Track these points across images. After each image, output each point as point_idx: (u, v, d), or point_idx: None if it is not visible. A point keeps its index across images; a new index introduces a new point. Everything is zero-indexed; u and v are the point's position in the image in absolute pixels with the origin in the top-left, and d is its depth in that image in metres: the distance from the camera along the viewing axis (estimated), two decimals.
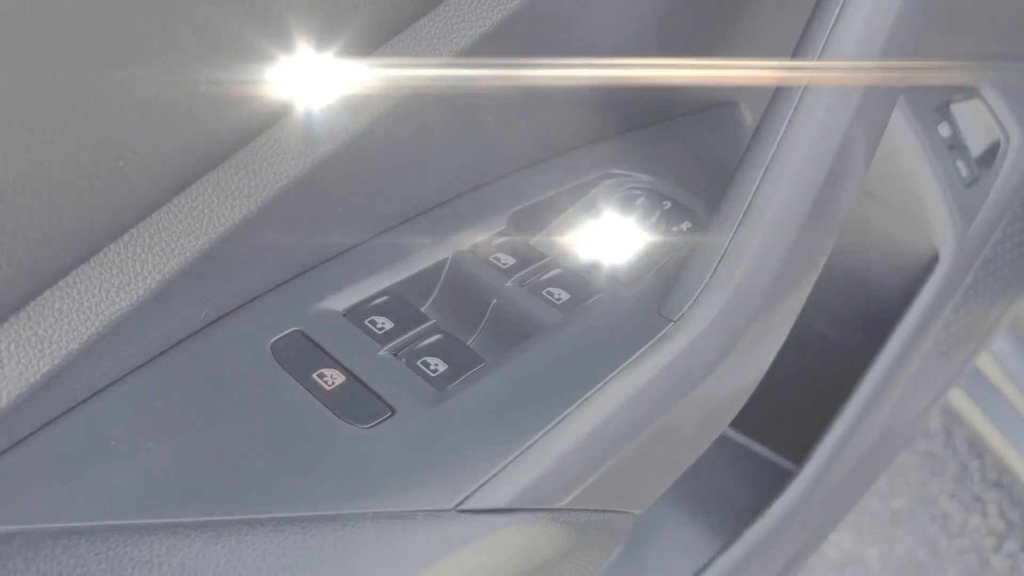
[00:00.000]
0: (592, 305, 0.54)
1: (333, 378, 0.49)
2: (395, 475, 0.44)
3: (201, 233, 0.45)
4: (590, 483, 0.48)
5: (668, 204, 0.61)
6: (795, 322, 0.60)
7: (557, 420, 0.47)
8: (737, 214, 0.51)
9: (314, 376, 0.49)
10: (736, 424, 0.90)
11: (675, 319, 0.52)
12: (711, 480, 0.93)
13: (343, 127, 0.48)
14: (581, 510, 0.49)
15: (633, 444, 0.50)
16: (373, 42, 0.47)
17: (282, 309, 0.52)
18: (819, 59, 0.49)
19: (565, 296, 0.55)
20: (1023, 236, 0.90)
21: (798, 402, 0.90)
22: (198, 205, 0.45)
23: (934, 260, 0.82)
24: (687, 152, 0.66)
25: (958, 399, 1.36)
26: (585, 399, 0.48)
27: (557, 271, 0.56)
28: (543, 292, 0.55)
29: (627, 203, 0.59)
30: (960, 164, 0.82)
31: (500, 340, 0.54)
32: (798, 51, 0.50)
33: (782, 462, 0.94)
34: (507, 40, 0.51)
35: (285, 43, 0.42)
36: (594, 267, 0.58)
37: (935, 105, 0.81)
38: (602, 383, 0.49)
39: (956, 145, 0.82)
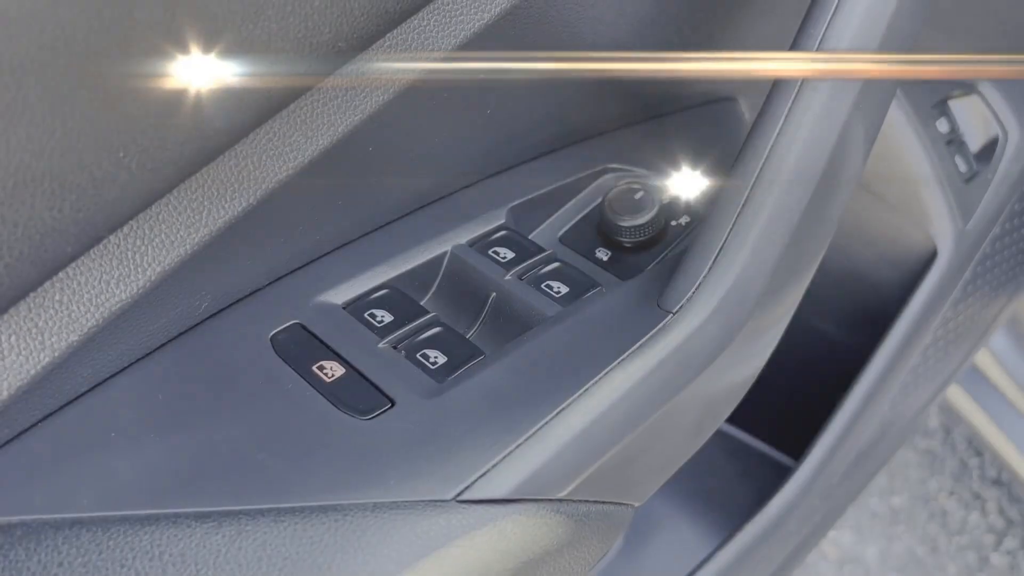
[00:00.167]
0: (591, 298, 0.54)
1: (333, 370, 0.49)
2: (395, 466, 0.45)
3: (201, 225, 0.46)
4: (589, 474, 0.49)
5: (666, 198, 0.61)
6: (794, 317, 0.60)
7: (556, 411, 0.47)
8: (735, 208, 0.51)
9: (314, 368, 0.49)
10: (735, 420, 0.91)
11: (674, 311, 0.52)
12: (710, 476, 0.93)
13: (342, 120, 0.48)
14: (580, 501, 0.49)
15: (632, 436, 0.50)
16: (372, 35, 0.47)
17: (282, 302, 0.52)
18: (817, 53, 0.49)
19: (564, 289, 0.55)
20: (1022, 232, 0.90)
21: (797, 398, 0.90)
22: (198, 197, 0.45)
23: (932, 256, 0.82)
24: (685, 147, 0.66)
25: (957, 396, 1.36)
26: (584, 391, 0.48)
27: (556, 264, 0.57)
28: (542, 285, 0.55)
29: (626, 197, 0.59)
30: (958, 160, 0.82)
31: (500, 333, 0.54)
32: (795, 45, 0.50)
33: (781, 458, 0.94)
34: (506, 33, 0.51)
35: (285, 35, 0.42)
36: (593, 260, 0.58)
37: (933, 101, 0.81)
38: (601, 375, 0.49)
39: (954, 141, 0.82)
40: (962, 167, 0.82)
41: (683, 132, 0.68)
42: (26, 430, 0.45)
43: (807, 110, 0.50)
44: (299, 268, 0.54)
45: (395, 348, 0.51)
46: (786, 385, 0.87)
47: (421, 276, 0.56)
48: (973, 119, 0.84)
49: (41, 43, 0.35)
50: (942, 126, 0.81)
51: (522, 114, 0.58)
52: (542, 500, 0.47)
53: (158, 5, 0.37)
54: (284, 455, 0.45)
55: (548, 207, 0.61)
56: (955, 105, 0.83)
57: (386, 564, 0.42)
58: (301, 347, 0.50)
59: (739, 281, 0.52)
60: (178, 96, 0.40)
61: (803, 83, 0.50)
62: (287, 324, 0.52)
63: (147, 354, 0.49)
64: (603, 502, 0.51)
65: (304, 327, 0.52)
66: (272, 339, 0.51)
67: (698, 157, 0.66)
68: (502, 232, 0.59)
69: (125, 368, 0.48)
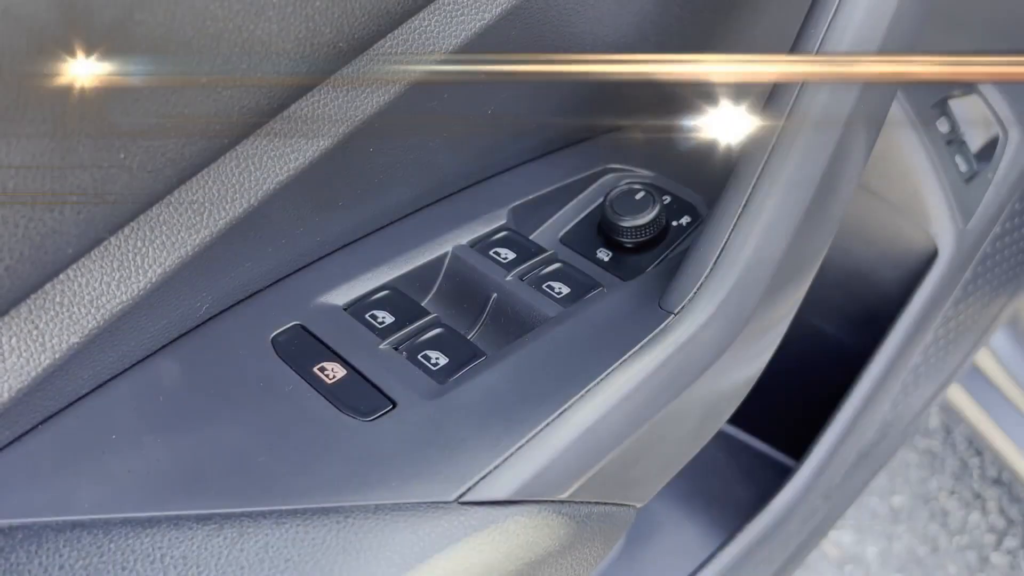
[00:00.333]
0: (592, 299, 0.54)
1: (334, 371, 0.49)
2: (396, 467, 0.45)
3: (202, 227, 0.45)
4: (591, 475, 0.48)
5: (667, 198, 0.61)
6: (795, 317, 0.60)
7: (558, 413, 0.47)
8: (736, 208, 0.51)
9: (315, 370, 0.49)
10: (736, 420, 0.91)
11: (675, 312, 0.52)
12: (711, 477, 0.93)
13: (343, 121, 0.48)
14: (582, 502, 0.49)
15: (634, 437, 0.50)
16: (373, 35, 0.47)
17: (283, 303, 0.52)
18: (817, 54, 0.49)
19: (565, 290, 0.55)
20: (1022, 231, 0.90)
21: (798, 398, 0.90)
22: (199, 199, 0.45)
23: (933, 255, 0.82)
24: (686, 147, 0.66)
25: (957, 396, 1.36)
26: (585, 392, 0.48)
27: (557, 265, 0.57)
28: (543, 286, 0.55)
29: (627, 198, 0.59)
30: (959, 159, 0.82)
31: (501, 334, 0.54)
32: (796, 46, 0.50)
33: (782, 458, 0.94)
34: (506, 34, 0.51)
35: (285, 36, 0.42)
36: (594, 261, 0.58)
37: (933, 101, 0.81)
38: (602, 376, 0.49)
39: (955, 140, 0.82)
40: (962, 167, 0.82)
41: (683, 133, 0.68)
42: (27, 432, 0.45)
43: (808, 112, 0.50)
44: (300, 269, 0.54)
45: (396, 349, 0.51)
46: (787, 385, 0.87)
47: (422, 277, 0.56)
48: (973, 119, 0.84)
49: (42, 42, 0.35)
50: (942, 126, 0.81)
51: (523, 114, 0.58)
52: (544, 501, 0.47)
53: (159, 6, 0.37)
54: (285, 457, 0.45)
55: (549, 207, 0.61)
56: (955, 105, 0.83)
57: (388, 566, 0.42)
58: (302, 348, 0.50)
59: (741, 281, 0.51)
60: (179, 97, 0.40)
61: (804, 84, 0.50)
62: (288, 325, 0.51)
63: (148, 356, 0.49)
64: (605, 503, 0.51)
65: (305, 328, 0.51)
66: (273, 340, 0.51)
67: (699, 158, 0.66)
68: (503, 233, 0.58)
69: (126, 370, 0.48)
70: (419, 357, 0.51)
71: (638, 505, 0.56)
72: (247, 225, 0.47)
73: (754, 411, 0.74)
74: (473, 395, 0.48)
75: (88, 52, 0.36)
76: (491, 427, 0.46)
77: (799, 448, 0.86)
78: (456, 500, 0.44)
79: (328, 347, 0.51)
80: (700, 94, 0.70)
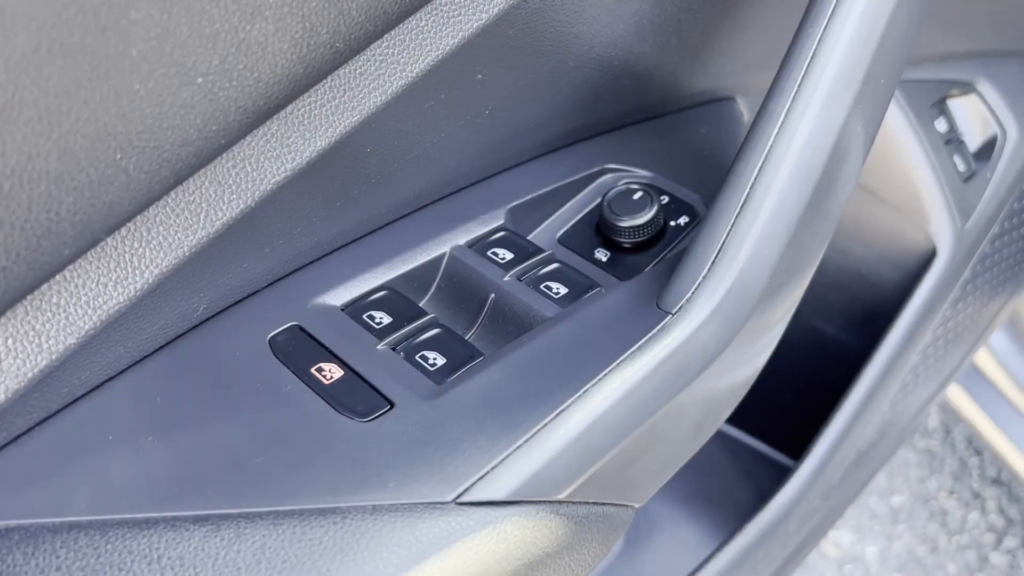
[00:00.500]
0: (590, 299, 0.54)
1: (331, 372, 0.49)
2: (394, 468, 0.44)
3: (199, 227, 0.45)
4: (589, 476, 0.48)
5: (665, 198, 0.61)
6: (793, 317, 0.60)
7: (556, 413, 0.47)
8: (735, 208, 0.51)
9: (312, 370, 0.49)
10: (734, 420, 0.91)
11: (673, 312, 0.52)
12: (710, 476, 0.93)
13: (340, 121, 0.48)
14: (580, 503, 0.49)
15: (632, 437, 0.50)
16: (370, 35, 0.47)
17: (280, 304, 0.52)
18: (815, 52, 0.49)
19: (563, 290, 0.55)
20: (1020, 231, 0.90)
21: (796, 398, 0.90)
22: (196, 199, 0.45)
23: (932, 255, 0.82)
24: (684, 147, 0.66)
25: (956, 396, 1.36)
26: (584, 392, 0.48)
27: (555, 265, 0.57)
28: (541, 286, 0.55)
29: (624, 198, 0.59)
30: (957, 159, 0.82)
31: (499, 334, 0.54)
32: (794, 44, 0.50)
33: (781, 458, 0.94)
34: (504, 33, 0.51)
35: (282, 36, 0.42)
36: (592, 261, 0.58)
37: (932, 100, 0.81)
38: (600, 376, 0.49)
39: (953, 140, 0.82)
40: (961, 166, 0.82)
41: (682, 132, 0.68)
42: (23, 434, 0.45)
43: (806, 111, 0.50)
44: (297, 270, 0.54)
45: (394, 350, 0.51)
46: (786, 385, 0.87)
47: (420, 277, 0.56)
48: (971, 118, 0.84)
49: (38, 43, 0.35)
50: (941, 125, 0.81)
51: (521, 114, 0.58)
52: (542, 502, 0.47)
53: (154, 5, 0.37)
54: (283, 457, 0.45)
55: (547, 208, 0.61)
56: (953, 104, 0.83)
57: (385, 567, 0.42)
58: (300, 349, 0.50)
59: (739, 281, 0.51)
60: (175, 97, 0.40)
61: (801, 83, 0.50)
62: (286, 326, 0.51)
63: (145, 357, 0.48)
64: (603, 503, 0.51)
65: (303, 329, 0.51)
66: (270, 341, 0.51)
67: (697, 157, 0.66)
68: (501, 233, 0.58)
69: (123, 371, 0.48)
70: (417, 357, 0.51)
71: (636, 505, 0.56)
72: (244, 226, 0.47)
73: (753, 411, 0.74)
74: (471, 395, 0.48)
75: (85, 51, 0.36)
76: (489, 427, 0.46)
77: (798, 448, 0.86)
78: (454, 501, 0.44)
79: (326, 348, 0.51)
80: (698, 92, 0.70)
